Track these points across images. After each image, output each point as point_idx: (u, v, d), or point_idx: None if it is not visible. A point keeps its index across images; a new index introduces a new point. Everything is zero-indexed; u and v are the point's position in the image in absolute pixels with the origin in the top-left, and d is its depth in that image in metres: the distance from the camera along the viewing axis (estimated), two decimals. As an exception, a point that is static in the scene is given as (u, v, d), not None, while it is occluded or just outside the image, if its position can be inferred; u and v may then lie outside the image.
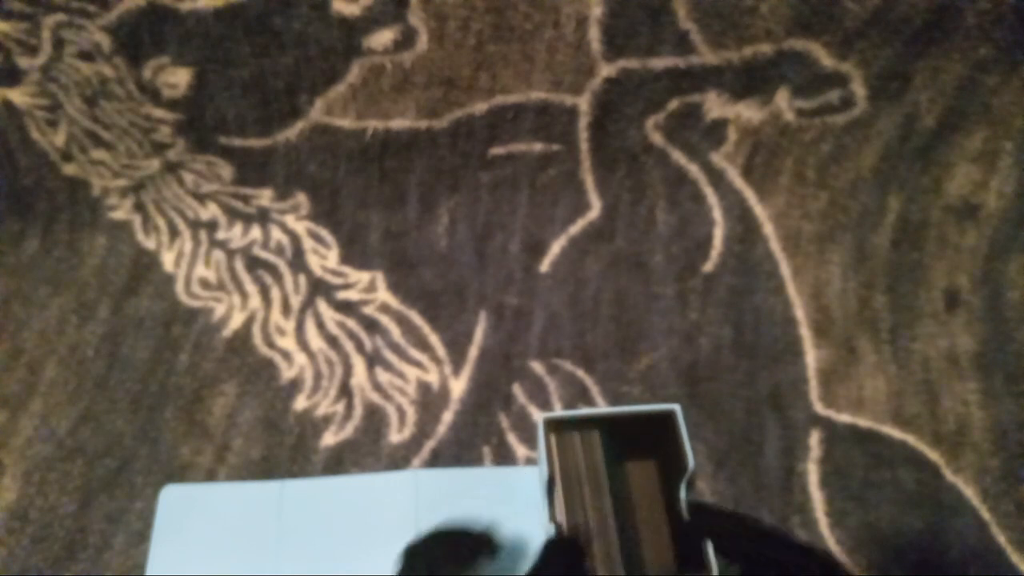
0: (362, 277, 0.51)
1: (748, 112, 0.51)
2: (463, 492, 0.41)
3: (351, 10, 0.45)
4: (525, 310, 0.50)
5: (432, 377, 0.47)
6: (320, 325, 0.49)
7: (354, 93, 0.49)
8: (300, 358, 0.48)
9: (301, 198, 0.54)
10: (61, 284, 0.51)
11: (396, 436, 0.45)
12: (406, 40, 0.47)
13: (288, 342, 0.49)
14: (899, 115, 0.50)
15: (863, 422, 0.45)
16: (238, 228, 0.53)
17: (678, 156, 0.53)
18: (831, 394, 0.46)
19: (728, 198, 0.53)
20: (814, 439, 0.45)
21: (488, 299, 0.50)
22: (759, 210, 0.52)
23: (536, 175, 0.53)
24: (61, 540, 0.42)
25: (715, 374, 0.47)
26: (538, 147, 0.52)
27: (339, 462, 0.44)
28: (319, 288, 0.51)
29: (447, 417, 0.46)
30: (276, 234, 0.53)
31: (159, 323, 0.50)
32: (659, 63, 0.48)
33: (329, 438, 0.45)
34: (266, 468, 0.44)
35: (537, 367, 0.48)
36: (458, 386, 0.47)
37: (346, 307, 0.50)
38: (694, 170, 0.53)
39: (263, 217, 0.54)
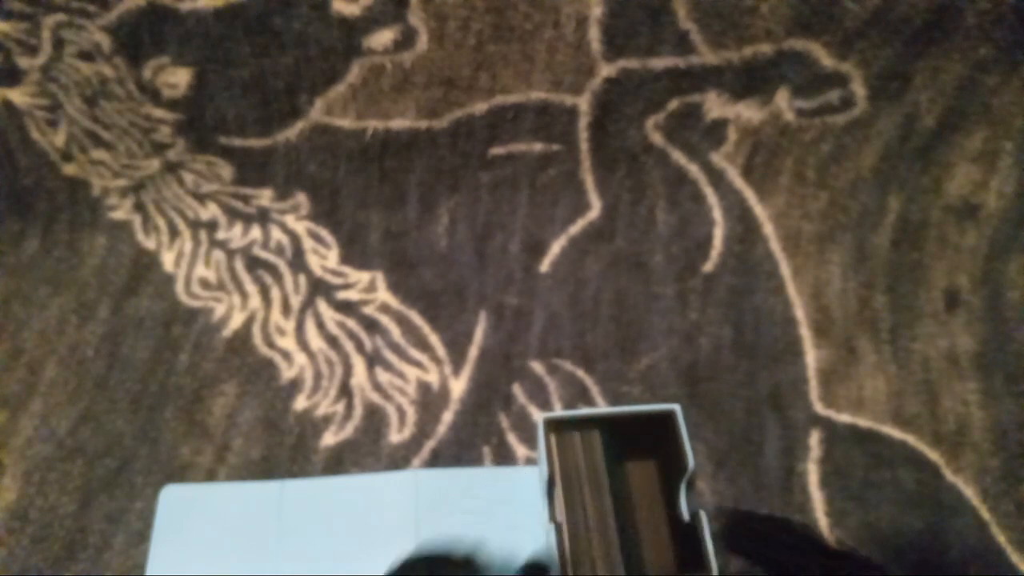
0: (362, 277, 0.51)
1: (748, 112, 0.51)
2: (463, 492, 0.41)
3: (351, 10, 0.45)
4: (525, 310, 0.50)
5: (432, 377, 0.47)
6: (320, 325, 0.49)
7: (354, 93, 0.49)
8: (300, 358, 0.48)
9: (301, 198, 0.54)
10: (61, 284, 0.51)
11: (396, 436, 0.45)
12: (406, 40, 0.47)
13: (288, 342, 0.49)
14: (899, 115, 0.50)
15: (863, 422, 0.45)
16: (238, 228, 0.53)
17: (678, 156, 0.53)
18: (831, 394, 0.46)
19: (728, 198, 0.53)
20: (814, 439, 0.45)
21: (488, 299, 0.50)
22: (759, 210, 0.52)
23: (536, 175, 0.53)
24: (61, 540, 0.42)
25: (715, 374, 0.47)
26: (538, 147, 0.52)
27: (339, 462, 0.44)
28: (319, 288, 0.51)
29: (447, 417, 0.46)
30: (276, 234, 0.53)
31: (159, 323, 0.50)
32: (659, 63, 0.48)
33: (329, 438, 0.45)
34: (266, 468, 0.44)
35: (537, 367, 0.48)
36: (458, 386, 0.47)
37: (346, 307, 0.50)
38: (694, 170, 0.53)
39: (263, 217, 0.54)
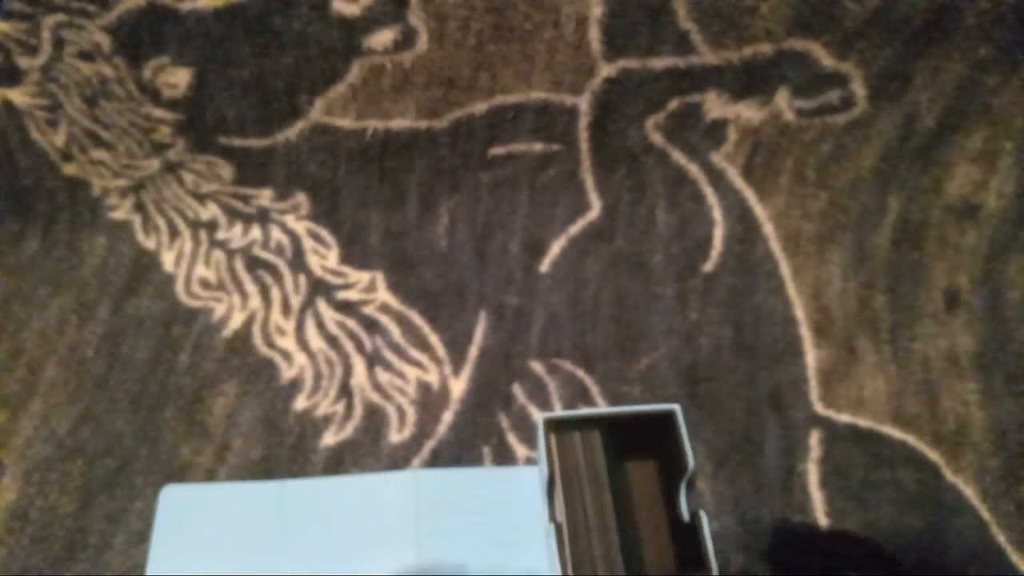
0: (362, 277, 0.51)
1: (748, 112, 0.51)
2: (463, 492, 0.41)
3: (351, 10, 0.45)
4: (525, 310, 0.50)
5: (432, 377, 0.47)
6: (320, 325, 0.49)
7: (354, 93, 0.49)
8: (300, 358, 0.48)
9: (301, 198, 0.54)
10: (61, 284, 0.51)
11: (396, 436, 0.45)
12: (406, 40, 0.47)
13: (288, 342, 0.49)
14: (899, 115, 0.50)
15: (863, 422, 0.45)
16: (238, 228, 0.53)
17: (678, 156, 0.53)
18: (831, 394, 0.46)
19: (728, 198, 0.53)
20: (814, 439, 0.45)
21: (488, 299, 0.50)
22: (759, 210, 0.52)
23: (536, 175, 0.53)
24: (61, 540, 0.42)
25: (715, 374, 0.47)
26: (538, 147, 0.52)
27: (339, 462, 0.44)
28: (319, 288, 0.51)
29: (447, 417, 0.46)
30: (276, 234, 0.53)
31: (159, 323, 0.50)
32: (659, 63, 0.48)
33: (329, 438, 0.45)
34: (266, 468, 0.44)
35: (537, 367, 0.48)
36: (458, 386, 0.47)
37: (346, 307, 0.50)
38: (694, 170, 0.53)
39: (263, 217, 0.54)
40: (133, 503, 0.43)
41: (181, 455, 0.44)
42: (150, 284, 0.51)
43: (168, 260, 0.52)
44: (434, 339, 0.49)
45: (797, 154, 0.52)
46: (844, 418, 0.45)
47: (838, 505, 0.42)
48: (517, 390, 0.47)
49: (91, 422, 0.46)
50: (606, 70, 0.48)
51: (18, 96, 0.50)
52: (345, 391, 0.47)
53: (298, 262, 0.52)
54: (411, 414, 0.46)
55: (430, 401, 0.46)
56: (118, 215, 0.54)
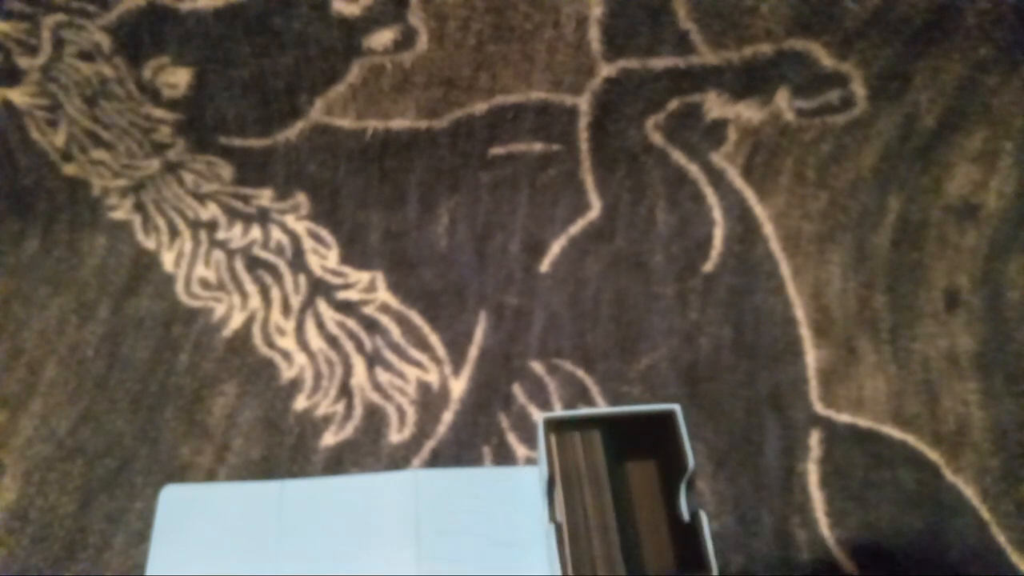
0: (362, 277, 0.51)
1: (748, 112, 0.51)
2: (463, 492, 0.41)
3: (351, 10, 0.45)
4: (525, 310, 0.50)
5: (432, 377, 0.47)
6: (320, 325, 0.49)
7: (354, 93, 0.49)
8: (300, 358, 0.48)
9: (301, 198, 0.54)
10: (61, 284, 0.51)
11: (396, 436, 0.45)
12: (406, 40, 0.47)
13: (288, 342, 0.49)
14: (899, 115, 0.50)
15: (863, 422, 0.45)
16: (238, 228, 0.53)
17: (678, 156, 0.53)
18: (831, 394, 0.46)
19: (728, 198, 0.53)
20: (814, 439, 0.45)
21: (488, 299, 0.50)
22: (759, 210, 0.52)
23: (536, 175, 0.53)
24: (61, 540, 0.42)
25: (715, 374, 0.47)
26: (538, 147, 0.52)
27: (339, 462, 0.44)
28: (319, 288, 0.51)
29: (447, 417, 0.46)
30: (276, 234, 0.53)
31: (159, 323, 0.50)
32: (659, 63, 0.48)
33: (329, 438, 0.45)
34: (266, 468, 0.44)
35: (537, 367, 0.48)
36: (458, 386, 0.47)
37: (346, 307, 0.50)
38: (694, 170, 0.53)
39: (263, 217, 0.54)
40: (133, 503, 0.43)
41: (181, 455, 0.44)
42: (150, 284, 0.51)
43: (168, 260, 0.52)
44: (434, 339, 0.49)
45: (797, 154, 0.52)
46: (844, 418, 0.45)
47: (838, 505, 0.42)
48: (517, 390, 0.47)
49: (91, 422, 0.46)
50: (606, 70, 0.48)
51: (18, 96, 0.50)
52: (345, 391, 0.47)
53: (298, 262, 0.52)
54: (411, 414, 0.46)
55: (430, 401, 0.46)
56: (118, 215, 0.54)
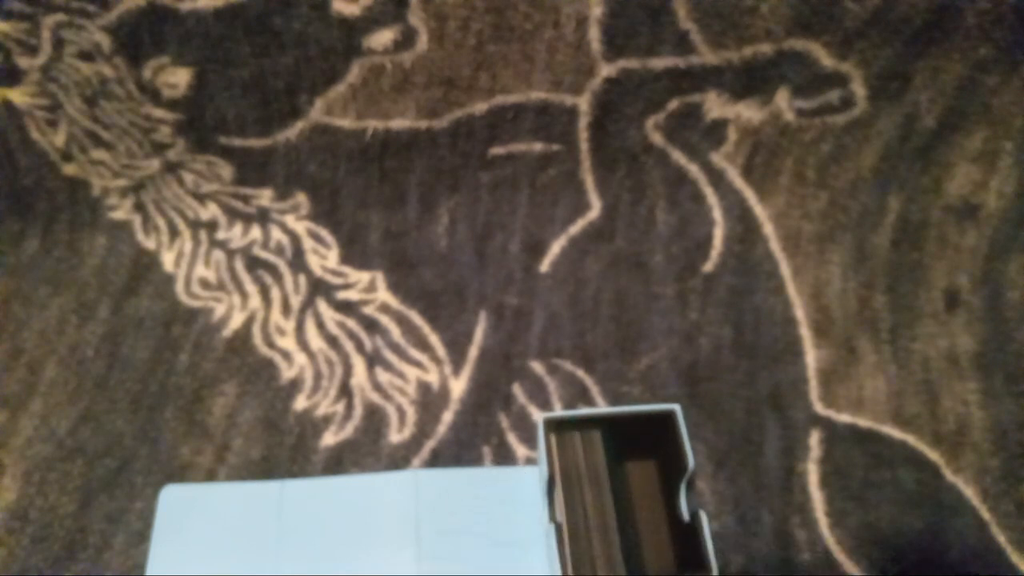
0: (362, 277, 0.51)
1: (748, 112, 0.51)
2: (463, 492, 0.41)
3: (351, 10, 0.45)
4: (525, 310, 0.50)
5: (432, 377, 0.47)
6: (320, 325, 0.49)
7: (354, 93, 0.49)
8: (300, 358, 0.48)
9: (301, 198, 0.54)
10: (61, 284, 0.51)
11: (396, 436, 0.45)
12: (406, 40, 0.47)
13: (288, 342, 0.49)
14: (899, 115, 0.50)
15: (863, 422, 0.45)
16: (238, 228, 0.53)
17: (678, 156, 0.53)
18: (831, 394, 0.46)
19: (728, 198, 0.53)
20: (814, 439, 0.45)
21: (488, 299, 0.50)
22: (759, 210, 0.52)
23: (536, 175, 0.53)
24: (61, 540, 0.42)
25: (715, 374, 0.47)
26: (538, 147, 0.52)
27: (339, 462, 0.44)
28: (319, 288, 0.51)
29: (447, 417, 0.46)
30: (276, 234, 0.53)
31: (159, 323, 0.50)
32: (659, 63, 0.48)
33: (329, 438, 0.45)
34: (266, 468, 0.44)
35: (537, 367, 0.48)
36: (458, 386, 0.47)
37: (346, 307, 0.50)
38: (694, 170, 0.53)
39: (263, 217, 0.54)
40: (133, 503, 0.43)
41: (181, 455, 0.44)
42: (150, 284, 0.51)
43: (168, 260, 0.52)
44: (434, 339, 0.49)
45: (797, 154, 0.52)
46: (844, 418, 0.45)
47: (838, 505, 0.42)
48: (517, 390, 0.47)
49: (91, 422, 0.46)
50: (606, 70, 0.48)
51: (18, 96, 0.50)
52: (345, 391, 0.47)
53: (298, 262, 0.52)
54: (411, 414, 0.46)
55: (430, 401, 0.46)
56: (118, 215, 0.54)
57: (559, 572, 0.34)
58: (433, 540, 0.39)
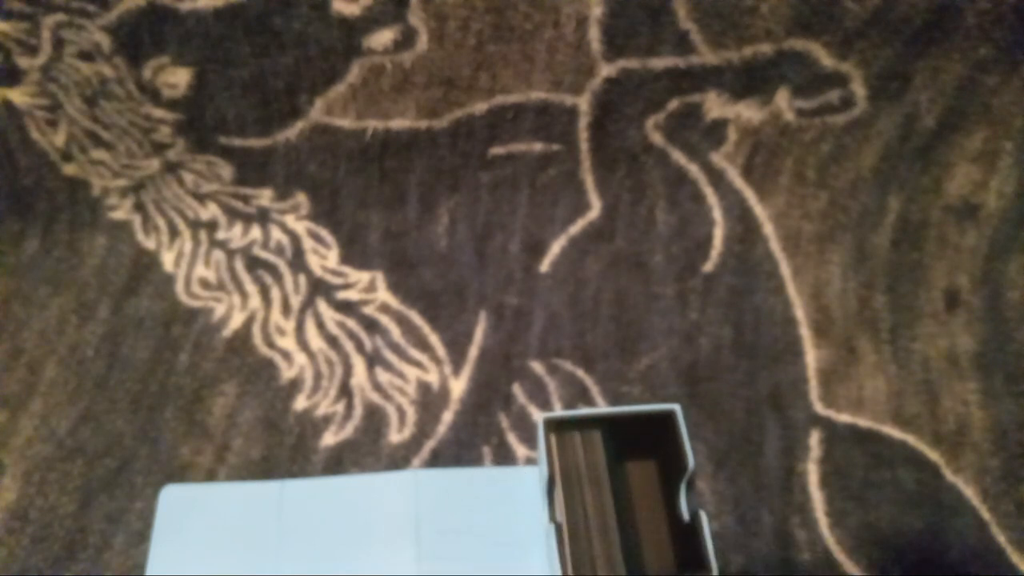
0: (362, 277, 0.51)
1: (748, 112, 0.51)
2: (463, 492, 0.41)
3: (351, 10, 0.46)
4: (525, 310, 0.50)
5: (432, 377, 0.47)
6: (320, 325, 0.49)
7: (354, 93, 0.49)
8: (300, 358, 0.48)
9: (301, 198, 0.54)
10: (61, 284, 0.51)
11: (396, 436, 0.45)
12: (406, 40, 0.47)
13: (288, 342, 0.49)
14: (899, 115, 0.50)
15: (863, 422, 0.45)
16: (238, 228, 0.53)
17: (678, 156, 0.53)
18: (831, 394, 0.46)
19: (728, 198, 0.53)
20: (814, 439, 0.45)
21: (488, 299, 0.50)
22: (759, 210, 0.52)
23: (536, 175, 0.53)
24: (61, 540, 0.42)
25: (715, 374, 0.47)
26: (538, 147, 0.52)
27: (339, 462, 0.44)
28: (319, 288, 0.51)
29: (447, 417, 0.46)
30: (276, 234, 0.53)
31: (159, 323, 0.50)
32: (659, 63, 0.48)
33: (329, 438, 0.45)
34: (266, 468, 0.44)
35: (537, 367, 0.48)
36: (458, 386, 0.47)
37: (346, 307, 0.50)
38: (694, 170, 0.53)
39: (263, 217, 0.54)
40: (133, 503, 0.43)
41: (181, 455, 0.44)
42: (150, 284, 0.51)
43: (168, 260, 0.52)
44: (434, 339, 0.49)
45: (797, 154, 0.52)
46: (844, 418, 0.45)
47: (838, 505, 0.42)
48: (517, 390, 0.47)
49: (91, 422, 0.46)
50: (606, 70, 0.48)
51: (18, 96, 0.50)
52: (345, 391, 0.47)
53: (298, 262, 0.52)
54: (411, 414, 0.46)
55: (430, 401, 0.46)
56: (118, 215, 0.54)
57: (559, 572, 0.34)
58: (433, 540, 0.39)
